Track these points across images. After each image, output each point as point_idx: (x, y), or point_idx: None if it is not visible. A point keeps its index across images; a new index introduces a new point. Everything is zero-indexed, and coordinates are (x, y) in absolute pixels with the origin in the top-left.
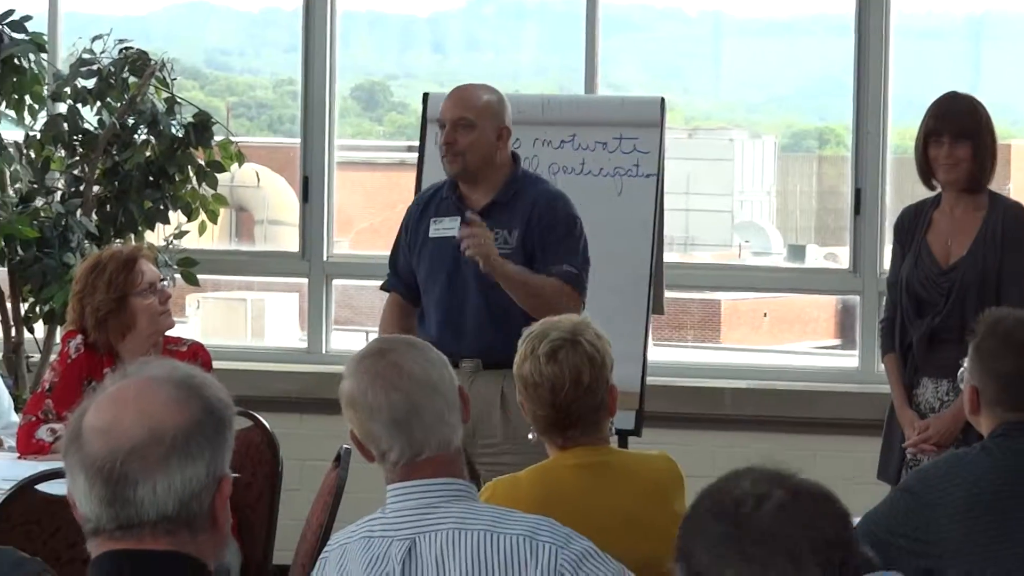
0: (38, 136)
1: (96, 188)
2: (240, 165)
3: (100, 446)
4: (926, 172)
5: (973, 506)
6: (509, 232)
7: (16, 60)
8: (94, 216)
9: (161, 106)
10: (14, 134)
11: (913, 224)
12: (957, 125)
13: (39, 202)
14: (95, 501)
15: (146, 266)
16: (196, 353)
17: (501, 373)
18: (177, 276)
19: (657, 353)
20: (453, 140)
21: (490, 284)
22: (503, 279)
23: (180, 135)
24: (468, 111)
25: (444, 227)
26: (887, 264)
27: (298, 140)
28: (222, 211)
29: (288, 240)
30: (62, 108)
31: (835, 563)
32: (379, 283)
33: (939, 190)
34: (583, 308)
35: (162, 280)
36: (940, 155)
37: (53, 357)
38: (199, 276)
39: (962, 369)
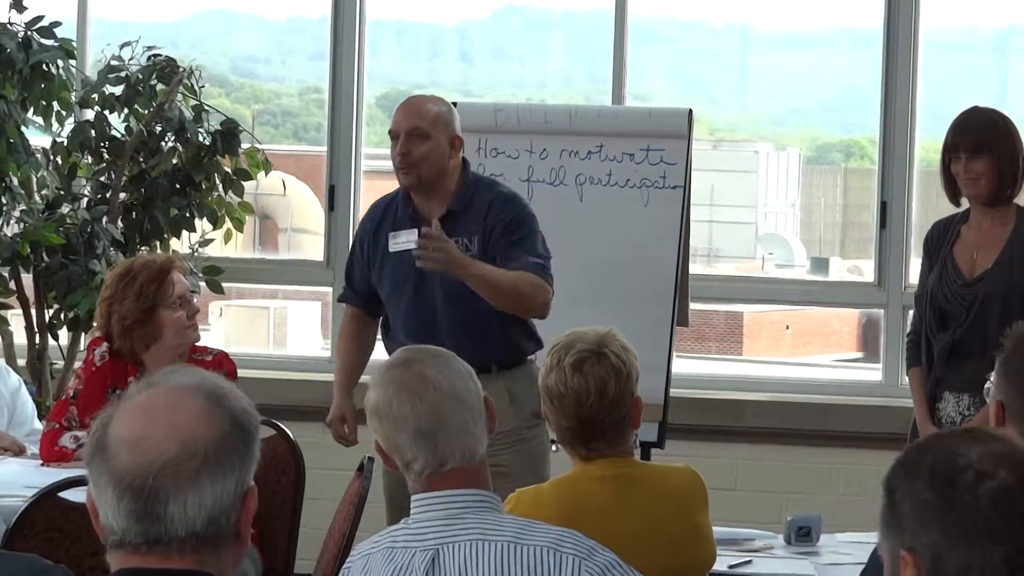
0: (65, 143)
1: (122, 195)
2: (267, 173)
3: (131, 460)
4: (951, 189)
5: None
6: (469, 239)
7: (44, 66)
8: (120, 223)
9: (188, 113)
10: (42, 140)
11: (942, 238)
12: (973, 140)
13: (65, 209)
14: (123, 515)
15: (178, 278)
16: (221, 362)
17: (481, 378)
18: (202, 284)
19: (680, 365)
20: (408, 151)
21: (457, 295)
22: (473, 279)
23: (207, 143)
24: (421, 121)
25: (402, 241)
26: (912, 278)
27: (324, 148)
28: (247, 219)
29: (312, 248)
30: (89, 115)
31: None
32: None
33: (966, 205)
34: (552, 296)
35: (193, 291)
36: (960, 171)
37: (77, 364)
38: (224, 284)
39: (988, 384)
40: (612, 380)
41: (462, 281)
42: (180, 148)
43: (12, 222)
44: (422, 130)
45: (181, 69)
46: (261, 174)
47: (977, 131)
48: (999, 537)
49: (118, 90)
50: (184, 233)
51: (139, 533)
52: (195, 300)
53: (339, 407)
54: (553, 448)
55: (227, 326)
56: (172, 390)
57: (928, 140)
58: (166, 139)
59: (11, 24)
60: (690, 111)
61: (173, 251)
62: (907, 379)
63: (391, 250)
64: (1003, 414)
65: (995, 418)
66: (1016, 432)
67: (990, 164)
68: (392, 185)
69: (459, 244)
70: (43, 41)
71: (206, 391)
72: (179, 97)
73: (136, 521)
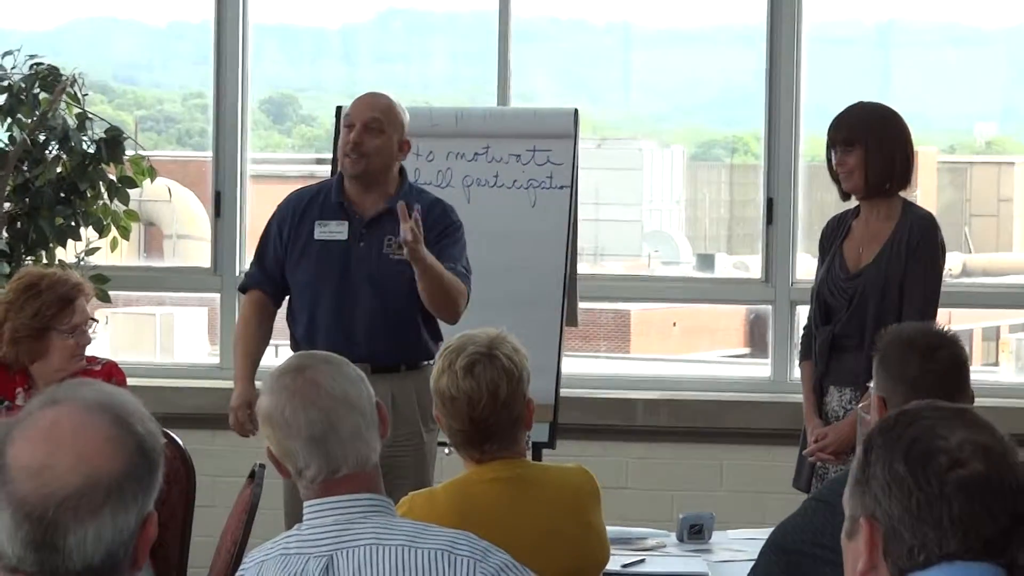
0: None
1: (7, 205)
2: (152, 180)
3: (32, 488)
4: (837, 182)
5: None
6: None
7: None
8: (5, 233)
9: (72, 122)
10: None
11: (834, 232)
12: (844, 133)
13: None
14: (20, 543)
15: (81, 307)
16: (111, 372)
17: (389, 377)
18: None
19: (569, 365)
20: (361, 140)
21: (383, 289)
22: (429, 269)
23: (91, 151)
24: (380, 114)
25: (331, 230)
26: (799, 273)
27: (209, 154)
28: (133, 226)
29: (198, 255)
30: None
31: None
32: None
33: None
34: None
35: (93, 320)
36: (836, 164)
37: None
38: (110, 292)
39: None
40: (504, 382)
41: (385, 279)
42: (64, 157)
43: None
44: (379, 123)
45: (64, 77)
46: (146, 181)
47: (849, 125)
48: (958, 526)
49: (0, 100)
50: (70, 242)
51: (35, 563)
52: (91, 330)
53: (242, 394)
54: (446, 451)
55: (114, 334)
56: (78, 412)
57: (813, 135)
58: (50, 148)
59: None
60: (575, 111)
61: (60, 261)
62: (797, 373)
63: (317, 237)
64: (885, 409)
65: (878, 415)
66: None
67: (860, 158)
68: (280, 190)
69: (392, 242)
70: None
71: (113, 414)
72: (62, 105)
73: (34, 551)
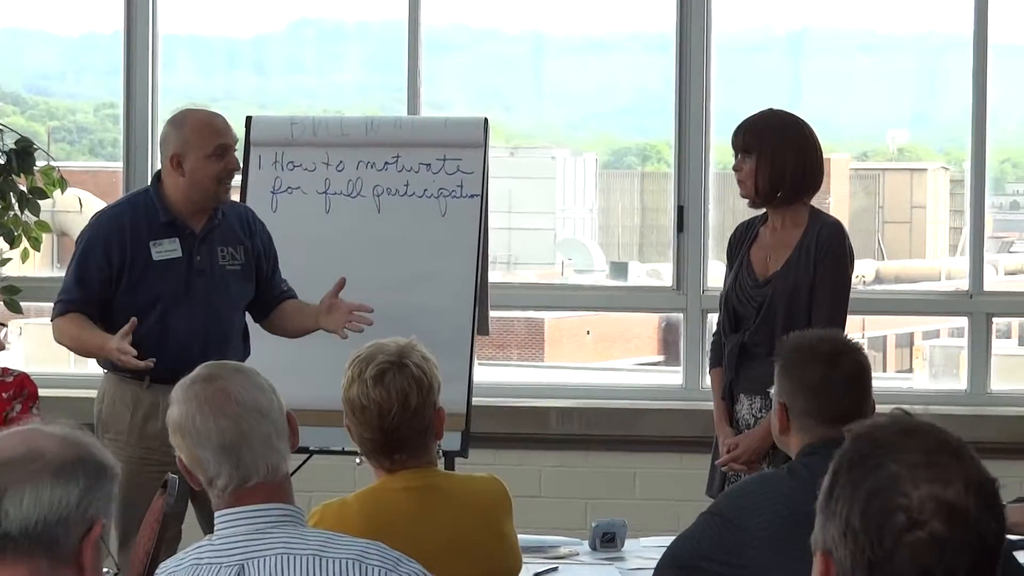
0: None
1: None
2: (63, 191)
3: None
4: None
5: (780, 529)
6: (235, 249)
7: None
8: None
9: None
10: None
11: (742, 239)
12: (739, 140)
13: None
14: None
15: None
16: (23, 384)
17: None
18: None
19: (482, 373)
20: (237, 165)
21: (225, 300)
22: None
23: (2, 162)
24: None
25: (166, 249)
26: (710, 281)
27: (120, 164)
28: (44, 237)
29: None
30: None
31: None
32: None
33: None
34: None
35: (3, 325)
36: (734, 170)
37: None
38: (22, 303)
39: (772, 391)
40: (414, 391)
41: (224, 291)
42: None
43: None
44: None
45: None
46: (57, 192)
47: (744, 133)
48: None
49: None
50: None
51: None
52: (2, 335)
53: (107, 336)
54: (356, 460)
55: (27, 345)
56: (32, 428)
57: (723, 143)
58: None
59: None
60: (485, 120)
61: None
62: (709, 381)
63: (156, 258)
64: (787, 417)
65: (779, 422)
66: (798, 435)
67: (752, 165)
68: None
69: (224, 253)
70: None
71: (66, 432)
72: None
73: None
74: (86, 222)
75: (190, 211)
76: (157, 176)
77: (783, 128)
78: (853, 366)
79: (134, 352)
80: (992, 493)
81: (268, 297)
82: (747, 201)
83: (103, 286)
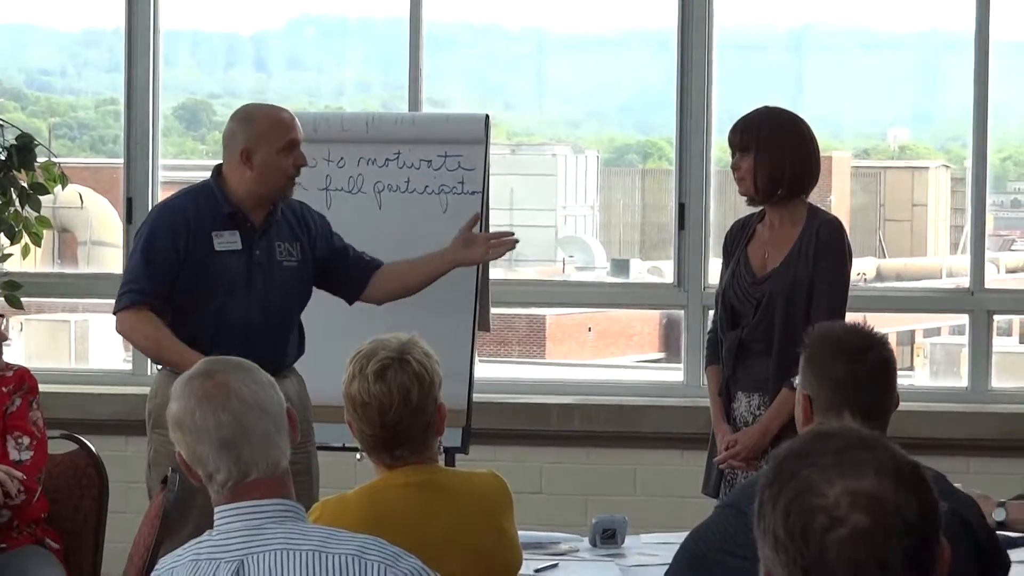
0: None
1: None
2: (63, 187)
3: None
4: None
5: None
6: (291, 245)
7: None
8: None
9: None
10: None
11: (738, 236)
12: (736, 138)
13: None
14: None
15: None
16: (23, 378)
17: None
18: (0, 299)
19: (483, 369)
20: (304, 162)
21: (282, 294)
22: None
23: (2, 157)
24: None
25: (227, 241)
26: (711, 278)
27: (121, 160)
28: (45, 233)
29: (112, 261)
30: None
31: None
32: None
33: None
34: None
35: (1, 315)
36: (732, 168)
37: None
38: (23, 299)
39: (794, 380)
40: (415, 387)
41: (281, 286)
42: None
43: None
44: None
45: None
46: (58, 187)
47: (742, 130)
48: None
49: None
50: None
51: None
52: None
53: (193, 354)
54: (357, 456)
55: (28, 341)
56: None
57: (725, 140)
58: None
59: None
60: (486, 116)
61: None
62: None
63: (218, 248)
64: (811, 409)
65: (803, 413)
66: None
67: (751, 162)
68: None
69: (281, 249)
70: None
71: None
72: None
73: None
74: (85, 217)
75: (252, 205)
76: (217, 170)
77: (780, 125)
78: (878, 361)
79: None
80: (911, 474)
81: (355, 272)
82: (745, 199)
83: (171, 273)
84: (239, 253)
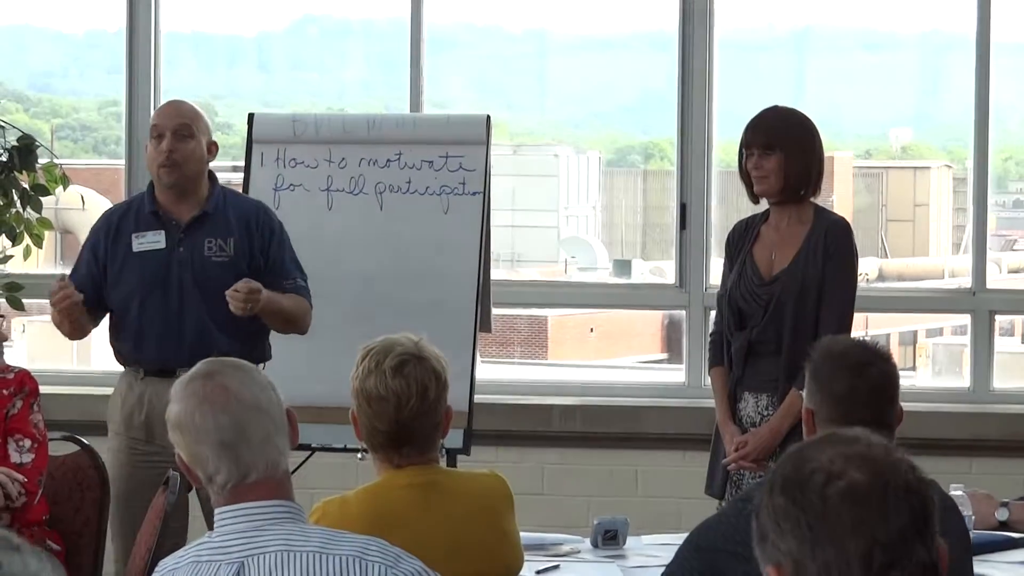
0: None
1: None
2: (65, 188)
3: None
4: (750, 187)
5: None
6: (224, 240)
7: None
8: None
9: None
10: None
11: (742, 238)
12: (763, 137)
13: None
14: None
15: None
16: (23, 380)
17: None
18: (2, 301)
19: (485, 370)
20: (173, 149)
21: (209, 291)
22: (273, 314)
23: (4, 159)
24: (187, 120)
25: (149, 240)
26: (713, 278)
27: (123, 162)
28: (47, 234)
29: None
30: None
31: (880, 564)
32: None
33: (767, 205)
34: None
35: (1, 316)
36: (752, 168)
37: None
38: (24, 300)
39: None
40: (433, 383)
41: (205, 282)
42: None
43: None
44: (189, 129)
45: None
46: (60, 189)
47: (768, 129)
48: (851, 536)
49: None
50: None
51: None
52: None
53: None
54: (358, 456)
55: (30, 343)
56: None
57: (726, 141)
58: None
59: None
60: (487, 117)
61: None
62: (709, 379)
63: (136, 249)
64: (813, 421)
65: (806, 426)
66: None
67: (779, 162)
68: None
69: (212, 245)
70: None
71: None
72: None
73: None
74: (87, 219)
75: (169, 201)
76: None
77: (805, 127)
78: (880, 376)
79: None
80: (895, 450)
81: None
82: (751, 197)
83: (91, 276)
84: (160, 252)
